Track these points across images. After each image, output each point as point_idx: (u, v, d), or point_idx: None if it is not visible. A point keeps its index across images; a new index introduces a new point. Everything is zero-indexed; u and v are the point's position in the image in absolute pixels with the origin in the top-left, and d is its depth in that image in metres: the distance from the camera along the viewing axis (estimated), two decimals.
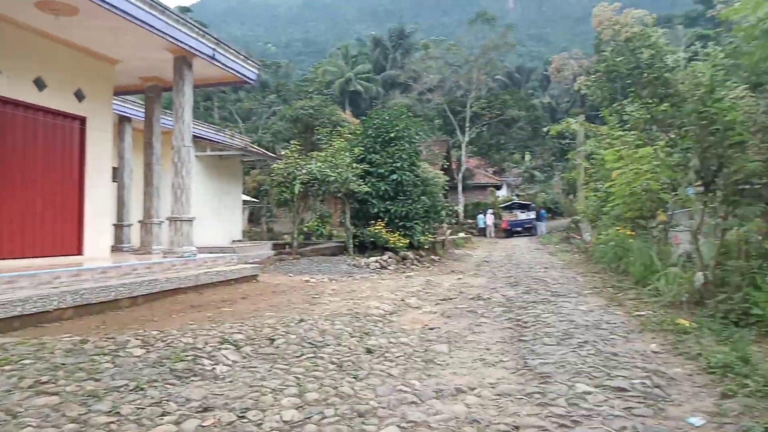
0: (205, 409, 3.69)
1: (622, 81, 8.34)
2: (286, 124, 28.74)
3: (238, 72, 9.76)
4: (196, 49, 8.74)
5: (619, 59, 7.98)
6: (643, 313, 7.23)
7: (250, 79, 10.18)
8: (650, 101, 8.65)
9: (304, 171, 15.14)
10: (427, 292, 10.41)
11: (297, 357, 5.32)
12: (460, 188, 37.11)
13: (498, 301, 9.04)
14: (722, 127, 7.07)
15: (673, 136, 8.64)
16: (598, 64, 8.44)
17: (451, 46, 43.60)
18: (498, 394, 4.31)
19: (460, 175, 36.97)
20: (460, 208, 37.26)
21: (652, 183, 10.46)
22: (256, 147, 21.67)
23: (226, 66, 9.45)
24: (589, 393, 4.17)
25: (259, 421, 3.56)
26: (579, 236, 23.18)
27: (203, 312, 7.52)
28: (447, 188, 20.76)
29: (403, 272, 14.60)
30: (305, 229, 20.77)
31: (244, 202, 33.28)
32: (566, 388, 4.33)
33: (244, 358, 5.23)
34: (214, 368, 4.84)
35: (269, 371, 4.85)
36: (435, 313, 8.26)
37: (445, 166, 30.04)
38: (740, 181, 6.84)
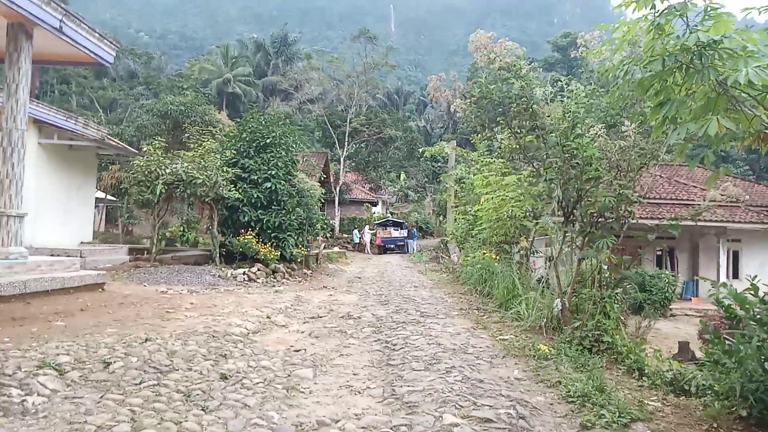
0: None
1: (494, 109, 8.62)
2: (153, 119, 26.42)
3: (91, 51, 8.55)
4: (38, 17, 7.45)
5: (492, 87, 8.25)
6: (506, 337, 7.43)
7: (106, 61, 9.01)
8: (518, 131, 9.10)
9: (168, 171, 13.85)
10: (295, 309, 9.90)
11: (136, 384, 4.57)
12: (336, 202, 36.97)
13: (368, 321, 8.82)
14: (582, 162, 7.58)
15: (537, 166, 9.15)
16: (473, 89, 8.64)
17: (333, 59, 43.63)
18: (363, 427, 3.99)
19: (338, 189, 36.86)
20: (336, 222, 37.09)
21: (516, 210, 11.04)
22: (115, 140, 19.51)
23: (77, 42, 8.21)
24: (457, 425, 4.01)
25: None
26: (448, 256, 24.11)
27: (27, 326, 6.33)
28: (323, 201, 20.39)
29: (273, 286, 13.89)
30: (168, 234, 19.10)
31: (100, 200, 30.01)
32: (433, 419, 4.14)
33: (68, 386, 4.37)
34: (24, 401, 3.95)
35: (98, 403, 4.08)
36: (302, 332, 7.80)
37: (323, 179, 29.73)
38: (595, 214, 7.35)
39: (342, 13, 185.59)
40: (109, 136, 18.28)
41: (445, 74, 9.02)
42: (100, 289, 9.73)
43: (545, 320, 7.78)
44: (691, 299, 19.25)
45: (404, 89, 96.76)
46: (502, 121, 9.28)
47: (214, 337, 6.55)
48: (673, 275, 17.04)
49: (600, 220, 7.40)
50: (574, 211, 7.76)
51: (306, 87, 41.10)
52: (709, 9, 3.89)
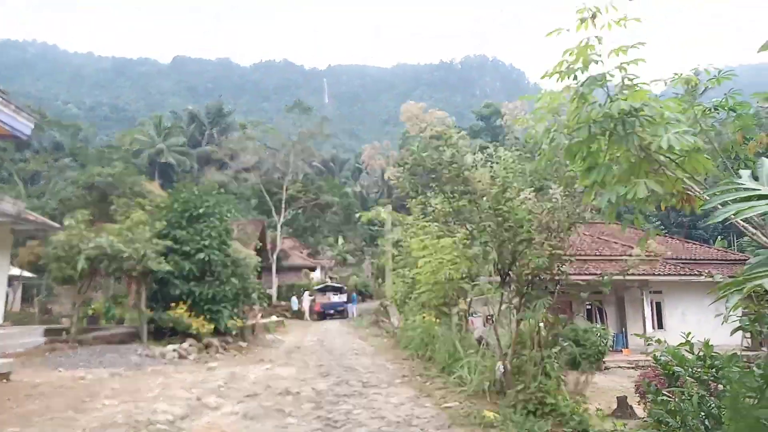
0: None
1: (427, 175, 8.85)
2: (77, 191, 25.25)
3: (5, 123, 8.12)
4: None
5: (424, 154, 8.50)
6: (451, 405, 7.25)
7: (23, 133, 8.55)
8: (452, 195, 9.34)
9: (91, 245, 13.07)
10: (229, 387, 9.28)
11: None
12: (274, 269, 36.10)
13: (308, 396, 8.37)
14: (514, 225, 7.82)
15: (471, 229, 9.35)
16: (406, 156, 8.86)
17: (269, 129, 44.02)
18: None
19: (275, 256, 36.10)
20: (274, 290, 36.05)
21: (453, 272, 11.13)
22: (34, 214, 18.31)
23: None
24: None
25: None
26: (388, 320, 23.79)
27: None
28: (260, 269, 19.81)
29: (206, 362, 13.06)
30: (91, 311, 17.75)
31: (16, 277, 27.72)
32: None
33: None
34: None
35: None
36: (236, 414, 7.27)
37: (258, 247, 29.07)
38: (530, 275, 7.51)
39: (276, 86, 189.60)
40: (26, 211, 17.13)
41: (378, 143, 9.19)
42: (4, 380, 8.77)
43: (488, 384, 7.68)
44: (622, 351, 19.83)
45: (340, 157, 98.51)
46: (435, 187, 9.52)
47: (135, 428, 5.95)
48: (603, 328, 17.58)
49: (535, 280, 7.56)
50: (510, 272, 7.90)
51: (242, 156, 40.97)
52: (625, 80, 4.24)
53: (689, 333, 4.86)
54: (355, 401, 7.84)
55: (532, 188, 8.05)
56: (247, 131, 46.69)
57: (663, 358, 5.00)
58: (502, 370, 7.39)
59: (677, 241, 26.14)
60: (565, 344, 8.82)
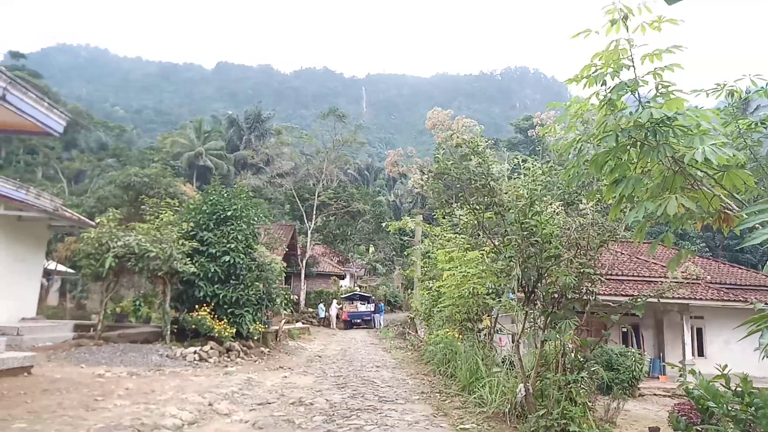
0: None
1: (453, 185, 8.56)
2: (115, 190, 25.88)
3: (38, 120, 8.23)
4: None
5: (450, 163, 8.22)
6: (467, 426, 6.89)
7: (55, 130, 8.66)
8: (477, 207, 9.02)
9: (120, 243, 13.25)
10: (243, 394, 9.15)
11: None
12: (303, 275, 36.19)
13: (320, 408, 8.14)
14: (541, 240, 7.43)
15: (497, 243, 9.00)
16: (431, 165, 8.61)
17: (303, 135, 44.35)
18: None
19: (304, 262, 36.20)
20: (302, 296, 36.11)
21: (479, 287, 10.77)
22: (70, 211, 18.81)
23: (22, 111, 7.89)
24: None
25: None
26: (414, 333, 23.43)
27: None
28: (289, 274, 19.81)
29: (225, 366, 13.02)
30: (119, 309, 18.06)
31: (57, 272, 28.59)
32: None
33: None
34: None
35: None
36: (246, 422, 7.09)
37: (286, 252, 29.18)
38: (557, 294, 7.11)
39: (316, 93, 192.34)
40: (63, 207, 17.61)
41: (402, 149, 8.95)
42: (25, 374, 8.85)
43: (509, 406, 7.29)
44: (659, 377, 18.89)
45: (375, 165, 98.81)
46: (461, 197, 9.21)
47: (139, 431, 5.84)
48: (639, 353, 16.76)
49: (562, 299, 7.14)
50: (535, 289, 7.51)
51: (277, 161, 41.40)
52: (660, 86, 3.88)
53: (725, 366, 4.42)
54: (368, 416, 7.57)
55: (562, 202, 7.66)
56: (282, 136, 47.19)
57: (696, 391, 4.56)
58: (524, 393, 6.99)
59: (721, 264, 24.87)
60: (595, 368, 8.32)
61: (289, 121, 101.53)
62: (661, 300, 9.20)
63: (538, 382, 7.23)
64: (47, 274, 30.52)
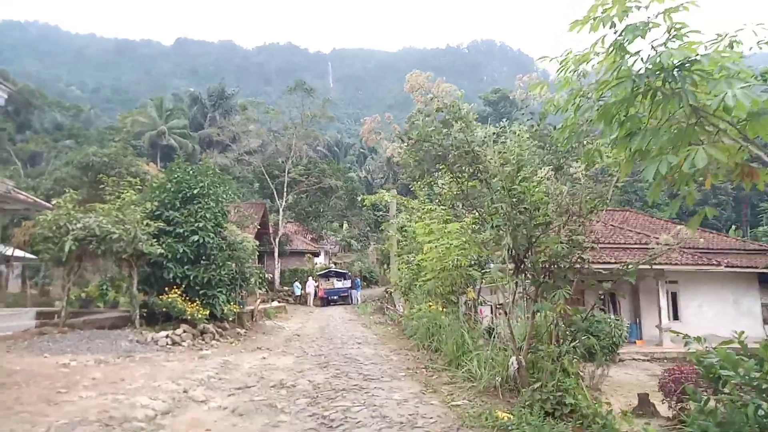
0: None
1: (434, 152, 8.08)
2: (73, 171, 24.58)
3: None
4: None
5: (431, 129, 7.74)
6: (459, 403, 6.60)
7: None
8: (460, 176, 8.60)
9: (79, 225, 12.44)
10: (220, 378, 8.68)
11: None
12: (276, 254, 35.49)
13: (303, 390, 7.75)
14: (530, 207, 7.10)
15: (481, 212, 8.63)
16: (410, 132, 8.09)
17: (270, 110, 43.06)
18: None
19: (277, 240, 35.47)
20: (277, 275, 35.47)
21: (461, 259, 10.45)
22: (24, 194, 17.69)
23: None
24: None
25: None
26: (393, 308, 23.22)
27: None
28: (262, 253, 19.20)
29: (200, 350, 12.49)
30: (84, 294, 17.21)
31: (16, 258, 27.22)
32: None
33: None
34: None
35: None
36: (225, 409, 6.65)
37: (259, 230, 28.46)
38: (547, 263, 6.81)
39: (279, 68, 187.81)
40: (16, 189, 16.51)
41: (380, 116, 8.43)
42: None
43: (500, 380, 7.03)
44: (635, 342, 19.18)
45: (344, 141, 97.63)
46: (442, 167, 8.78)
47: (107, 426, 5.34)
48: (617, 319, 16.90)
49: (552, 268, 6.85)
50: (525, 259, 7.19)
51: (244, 139, 40.14)
52: (672, 29, 3.47)
53: (742, 332, 4.17)
54: (354, 397, 7.21)
55: (551, 167, 7.30)
56: (248, 112, 45.76)
57: (708, 359, 4.30)
58: (516, 366, 6.72)
59: (697, 230, 25.30)
60: (584, 337, 8.13)
61: (254, 97, 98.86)
62: (652, 266, 9.04)
63: (530, 354, 6.98)
64: (6, 260, 29.11)
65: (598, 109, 3.68)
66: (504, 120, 8.90)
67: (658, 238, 18.21)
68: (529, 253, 7.17)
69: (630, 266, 6.95)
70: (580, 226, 7.06)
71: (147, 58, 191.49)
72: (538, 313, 6.77)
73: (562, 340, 6.66)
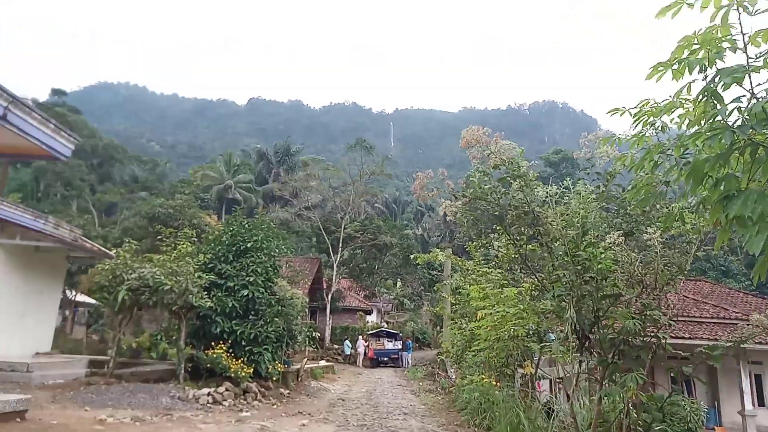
0: None
1: (490, 212, 7.54)
2: (140, 221, 25.64)
3: (43, 143, 7.73)
4: None
5: (487, 186, 7.24)
6: None
7: (62, 154, 8.18)
8: (518, 238, 8.00)
9: (134, 275, 12.60)
10: None
11: None
12: (328, 310, 35.14)
13: None
14: (597, 276, 6.35)
15: (541, 279, 7.91)
16: (465, 189, 7.61)
17: (329, 167, 44.08)
18: None
19: (330, 296, 35.19)
20: (328, 331, 34.95)
21: (519, 329, 9.61)
22: (90, 242, 18.44)
23: (26, 132, 7.38)
24: None
25: None
26: (445, 374, 22.03)
27: None
28: (311, 309, 18.88)
29: (239, 410, 12.02)
30: (135, 345, 17.36)
31: (83, 304, 28.34)
32: None
33: None
34: None
35: None
36: None
37: (308, 285, 28.28)
38: (617, 340, 5.98)
39: (344, 128, 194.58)
40: (82, 238, 17.21)
41: (432, 171, 8.05)
42: (17, 419, 8.04)
43: None
44: (714, 429, 17.01)
45: (402, 199, 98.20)
46: (498, 228, 8.22)
47: None
48: (693, 402, 15.10)
49: (623, 346, 6.00)
50: (590, 335, 6.38)
51: (304, 194, 41.04)
52: None
53: None
54: None
55: (620, 232, 6.57)
56: (309, 168, 47.03)
57: None
58: None
59: None
60: (658, 428, 7.04)
61: (318, 154, 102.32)
62: (743, 345, 7.92)
63: None
64: (75, 305, 30.36)
65: (682, 167, 3.12)
66: (567, 179, 8.27)
67: (737, 312, 16.43)
68: (596, 328, 6.36)
69: (717, 348, 6.01)
70: (654, 299, 6.24)
71: (222, 117, 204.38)
72: (605, 398, 5.89)
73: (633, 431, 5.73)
